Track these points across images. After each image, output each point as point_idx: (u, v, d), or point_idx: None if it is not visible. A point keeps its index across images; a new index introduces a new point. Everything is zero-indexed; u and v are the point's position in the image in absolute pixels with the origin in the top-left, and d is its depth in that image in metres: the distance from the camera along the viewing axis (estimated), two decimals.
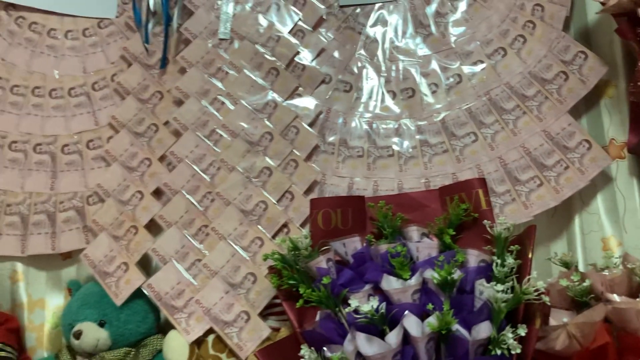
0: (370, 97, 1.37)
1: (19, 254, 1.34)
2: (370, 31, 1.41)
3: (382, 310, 0.96)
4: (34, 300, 1.36)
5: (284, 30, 1.40)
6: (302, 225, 1.28)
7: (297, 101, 1.37)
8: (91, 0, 1.48)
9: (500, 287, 0.95)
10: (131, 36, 1.46)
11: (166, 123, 1.39)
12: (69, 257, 1.38)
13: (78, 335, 1.21)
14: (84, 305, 1.25)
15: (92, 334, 1.22)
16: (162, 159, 1.37)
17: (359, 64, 1.39)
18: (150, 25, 1.43)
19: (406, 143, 1.32)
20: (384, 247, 1.09)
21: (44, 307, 1.37)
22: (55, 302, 1.37)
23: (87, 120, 1.42)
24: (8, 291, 1.36)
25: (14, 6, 1.47)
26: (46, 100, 1.43)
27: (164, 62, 1.41)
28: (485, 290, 0.97)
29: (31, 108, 1.42)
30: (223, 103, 1.38)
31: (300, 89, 1.37)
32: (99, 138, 1.41)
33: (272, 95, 1.37)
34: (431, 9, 1.40)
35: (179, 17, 1.43)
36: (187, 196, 1.32)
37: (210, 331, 1.23)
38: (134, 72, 1.42)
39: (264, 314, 1.23)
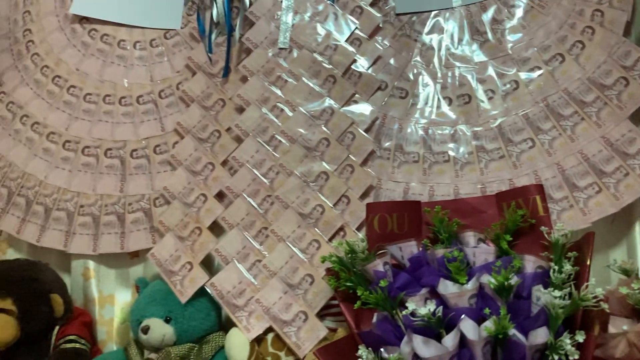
0: (426, 103, 1.39)
1: (90, 252, 1.43)
2: (426, 38, 1.43)
3: (439, 314, 0.98)
4: (105, 296, 1.44)
5: (341, 38, 1.44)
6: (358, 228, 1.32)
7: (353, 108, 1.40)
8: (158, 12, 1.56)
9: (557, 293, 0.96)
10: (195, 46, 1.52)
11: (228, 129, 1.44)
12: (137, 256, 1.45)
13: (146, 330, 1.27)
14: (151, 302, 1.31)
15: (159, 330, 1.28)
16: (224, 163, 1.42)
17: (415, 71, 1.42)
18: (213, 36, 1.49)
19: (462, 149, 1.33)
20: (440, 251, 1.11)
21: (113, 303, 1.45)
22: (123, 298, 1.45)
23: (154, 127, 1.50)
24: (81, 287, 1.44)
25: (88, 19, 1.57)
26: (116, 108, 1.51)
27: (226, 71, 1.47)
28: (543, 296, 0.98)
29: (102, 115, 1.51)
30: (282, 110, 1.42)
31: (356, 95, 1.41)
32: (165, 143, 1.48)
33: (329, 102, 1.41)
34: (487, 15, 1.41)
35: (241, 27, 1.49)
36: (248, 199, 1.37)
37: (269, 329, 1.27)
38: (198, 80, 1.49)
39: (321, 315, 1.27)
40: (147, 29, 1.56)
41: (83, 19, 1.57)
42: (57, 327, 1.33)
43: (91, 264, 1.44)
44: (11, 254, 1.49)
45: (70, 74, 1.54)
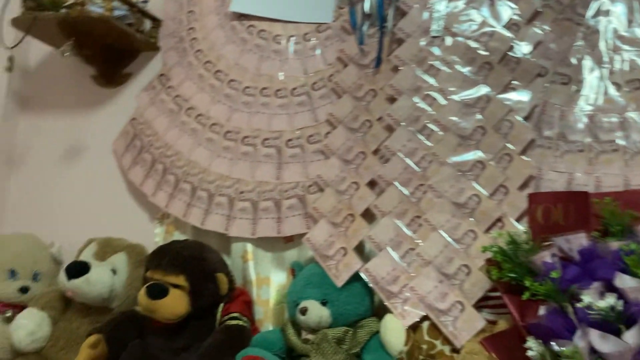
0: (591, 90, 1.32)
1: (249, 235, 1.51)
2: (590, 21, 1.35)
3: (620, 308, 0.93)
4: (261, 278, 1.52)
5: (498, 24, 1.40)
6: (517, 220, 1.27)
7: (510, 95, 1.36)
8: (311, 7, 1.62)
9: None
10: (346, 39, 1.56)
11: (379, 119, 1.46)
12: (291, 240, 1.51)
13: (304, 311, 1.32)
14: (308, 285, 1.36)
15: (316, 312, 1.32)
16: (375, 152, 1.44)
17: (578, 56, 1.35)
18: (365, 27, 1.52)
19: (633, 137, 1.25)
20: (615, 244, 1.05)
21: (269, 284, 1.52)
22: (278, 280, 1.52)
23: (307, 117, 1.55)
24: (240, 269, 1.53)
25: (246, 16, 1.66)
26: (272, 100, 1.58)
27: (378, 62, 1.49)
28: None
29: (260, 107, 1.59)
30: (435, 99, 1.41)
31: (514, 82, 1.36)
32: (318, 133, 1.53)
33: (484, 89, 1.38)
34: None
35: (393, 17, 1.50)
36: (400, 188, 1.38)
37: (424, 317, 1.27)
38: (350, 72, 1.52)
39: (478, 306, 1.24)
40: (300, 23, 1.62)
41: (242, 16, 1.66)
42: (221, 305, 1.42)
43: (249, 247, 1.52)
44: (177, 236, 1.61)
45: (230, 69, 1.63)
